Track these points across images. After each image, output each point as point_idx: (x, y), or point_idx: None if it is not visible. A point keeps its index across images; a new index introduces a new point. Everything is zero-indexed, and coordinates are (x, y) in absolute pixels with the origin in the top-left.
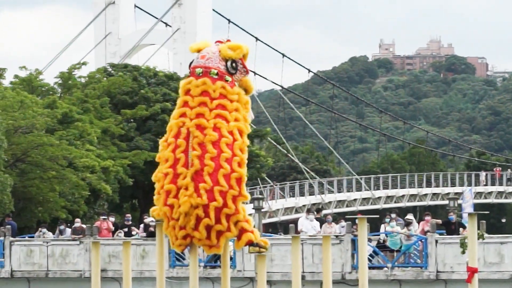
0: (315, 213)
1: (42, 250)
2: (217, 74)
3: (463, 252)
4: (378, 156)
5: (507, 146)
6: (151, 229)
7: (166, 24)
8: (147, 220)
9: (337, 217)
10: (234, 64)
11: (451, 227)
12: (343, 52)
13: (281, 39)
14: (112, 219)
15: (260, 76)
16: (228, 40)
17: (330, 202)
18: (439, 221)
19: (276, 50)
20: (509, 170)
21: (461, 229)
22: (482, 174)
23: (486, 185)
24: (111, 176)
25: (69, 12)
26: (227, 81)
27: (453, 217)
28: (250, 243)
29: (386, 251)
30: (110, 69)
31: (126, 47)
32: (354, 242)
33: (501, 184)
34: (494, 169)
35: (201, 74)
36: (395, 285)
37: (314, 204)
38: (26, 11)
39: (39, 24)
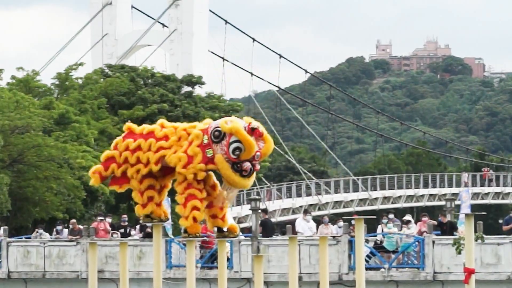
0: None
1: (39, 251)
2: (202, 133)
3: (459, 253)
4: (375, 157)
5: (504, 147)
6: (148, 230)
7: (163, 25)
8: None
9: (334, 218)
10: (216, 133)
11: (443, 228)
12: (340, 52)
13: (278, 40)
14: (109, 220)
15: (257, 76)
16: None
17: (327, 203)
18: (435, 222)
19: (273, 51)
20: (490, 170)
21: (458, 229)
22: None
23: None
24: None
25: (66, 12)
26: (202, 141)
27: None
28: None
29: (383, 252)
30: (107, 70)
31: (123, 48)
32: (351, 243)
33: (483, 185)
34: (483, 169)
35: None
36: (392, 286)
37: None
38: (23, 10)
39: (35, 24)
